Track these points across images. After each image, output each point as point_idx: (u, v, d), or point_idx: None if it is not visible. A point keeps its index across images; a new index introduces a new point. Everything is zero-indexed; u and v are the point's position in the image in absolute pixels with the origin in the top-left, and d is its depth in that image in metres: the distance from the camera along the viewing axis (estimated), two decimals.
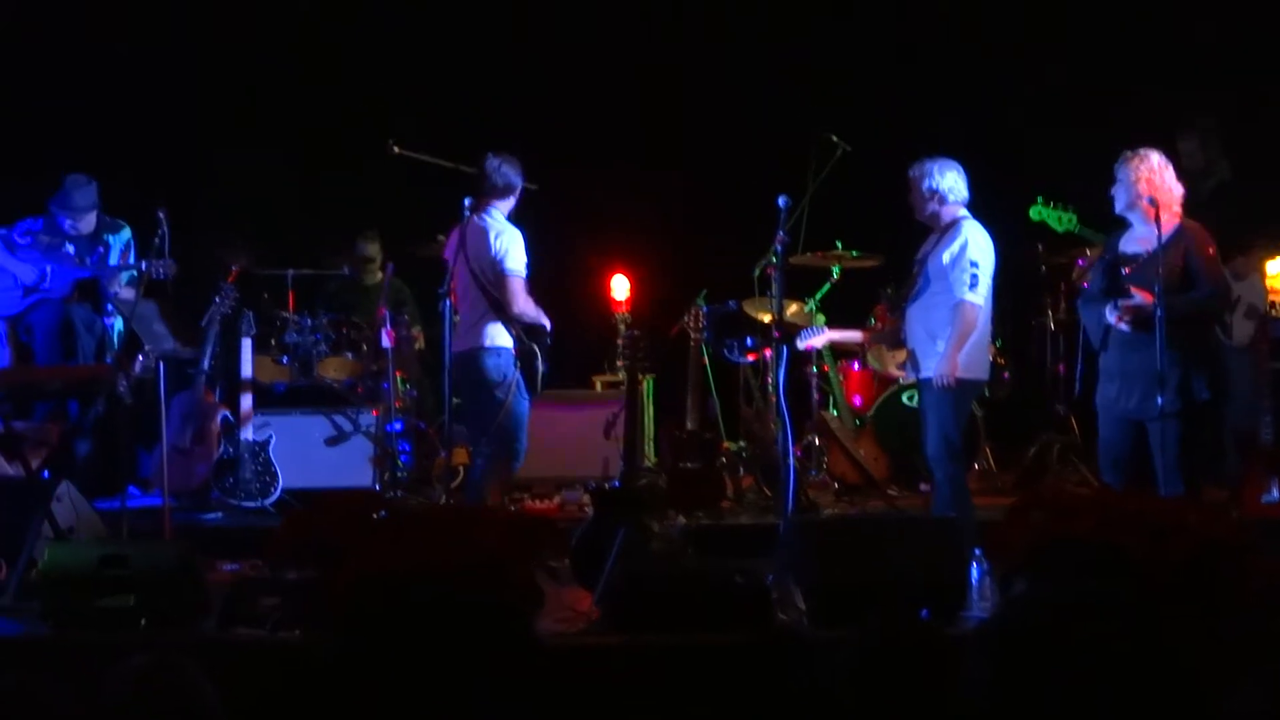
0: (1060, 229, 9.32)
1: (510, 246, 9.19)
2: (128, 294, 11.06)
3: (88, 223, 11.30)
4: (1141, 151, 8.47)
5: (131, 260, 11.35)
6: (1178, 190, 8.47)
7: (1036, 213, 9.35)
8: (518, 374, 9.19)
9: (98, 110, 12.57)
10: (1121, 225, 8.70)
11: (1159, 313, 8.10)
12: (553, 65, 13.00)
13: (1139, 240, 8.51)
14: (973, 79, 12.75)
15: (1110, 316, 8.43)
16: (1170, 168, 8.49)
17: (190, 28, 12.91)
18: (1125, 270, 8.48)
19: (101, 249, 11.36)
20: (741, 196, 10.94)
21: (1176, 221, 8.42)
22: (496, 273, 9.17)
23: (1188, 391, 8.21)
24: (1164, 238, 8.31)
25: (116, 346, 11.12)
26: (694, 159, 12.92)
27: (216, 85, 12.99)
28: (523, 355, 9.20)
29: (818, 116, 10.39)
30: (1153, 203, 8.31)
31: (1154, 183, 8.40)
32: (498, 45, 13.14)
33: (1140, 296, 8.29)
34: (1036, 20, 12.66)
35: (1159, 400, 8.23)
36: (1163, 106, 11.21)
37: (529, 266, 9.29)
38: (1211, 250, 8.43)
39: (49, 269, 11.17)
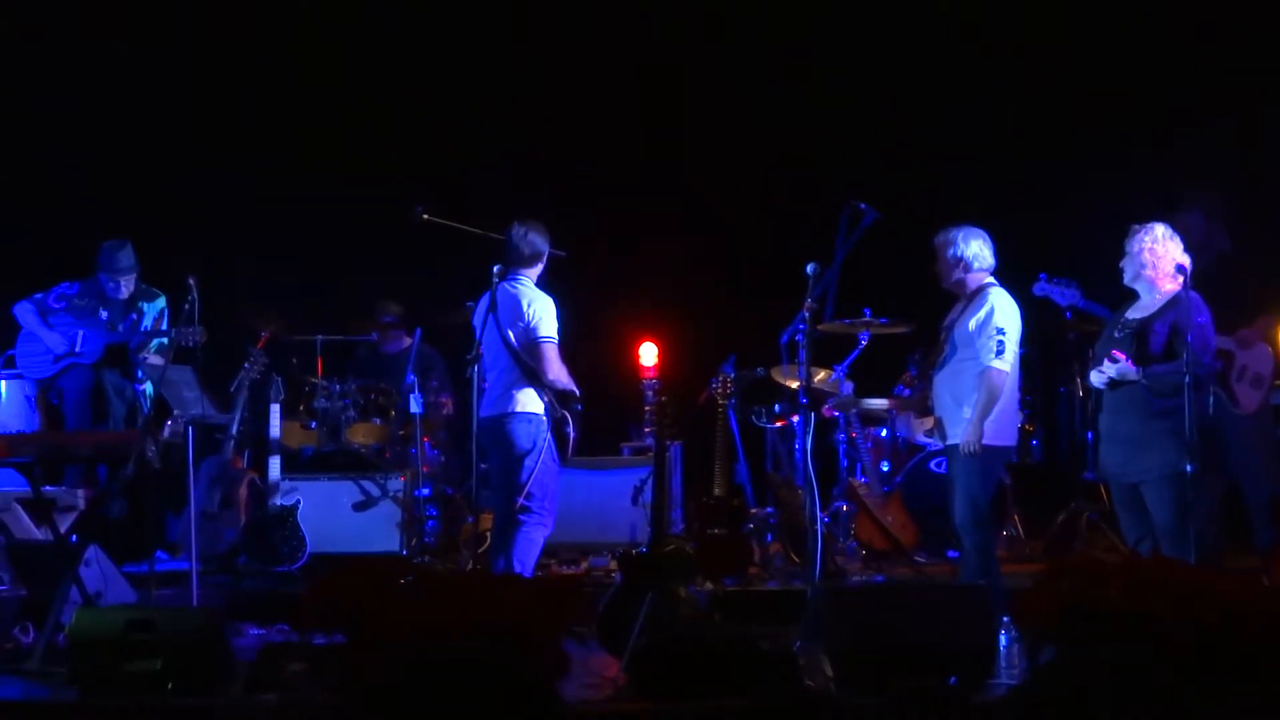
0: (1064, 304, 9.34)
1: (543, 314, 9.19)
2: (156, 360, 11.13)
3: (129, 284, 11.40)
4: (1147, 225, 8.56)
5: (164, 328, 11.42)
6: (1182, 261, 8.50)
7: (1041, 289, 9.37)
8: (549, 439, 9.18)
9: (123, 174, 12.68)
10: (1134, 296, 8.76)
11: (1130, 374, 8.27)
12: (577, 133, 13.09)
13: (1142, 309, 8.58)
14: (1006, 141, 12.82)
15: (1097, 381, 8.54)
16: (1176, 239, 8.56)
17: (209, 88, 13.05)
18: (1120, 336, 8.53)
19: (135, 315, 11.45)
20: (769, 263, 10.97)
21: (1174, 291, 8.46)
22: (530, 340, 9.15)
23: (1171, 459, 8.23)
24: (1155, 305, 8.44)
25: (146, 411, 11.17)
26: (722, 225, 12.96)
27: (247, 150, 13.08)
28: (555, 421, 9.20)
29: (846, 180, 10.39)
30: (1181, 270, 8.38)
31: (1157, 252, 8.49)
32: (528, 115, 13.24)
33: (1121, 361, 8.36)
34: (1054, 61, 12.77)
35: (1140, 465, 8.38)
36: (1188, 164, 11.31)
37: (560, 333, 9.30)
38: (1202, 320, 8.45)
39: (80, 334, 11.25)
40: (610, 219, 12.82)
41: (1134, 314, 8.64)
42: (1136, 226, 8.60)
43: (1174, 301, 8.44)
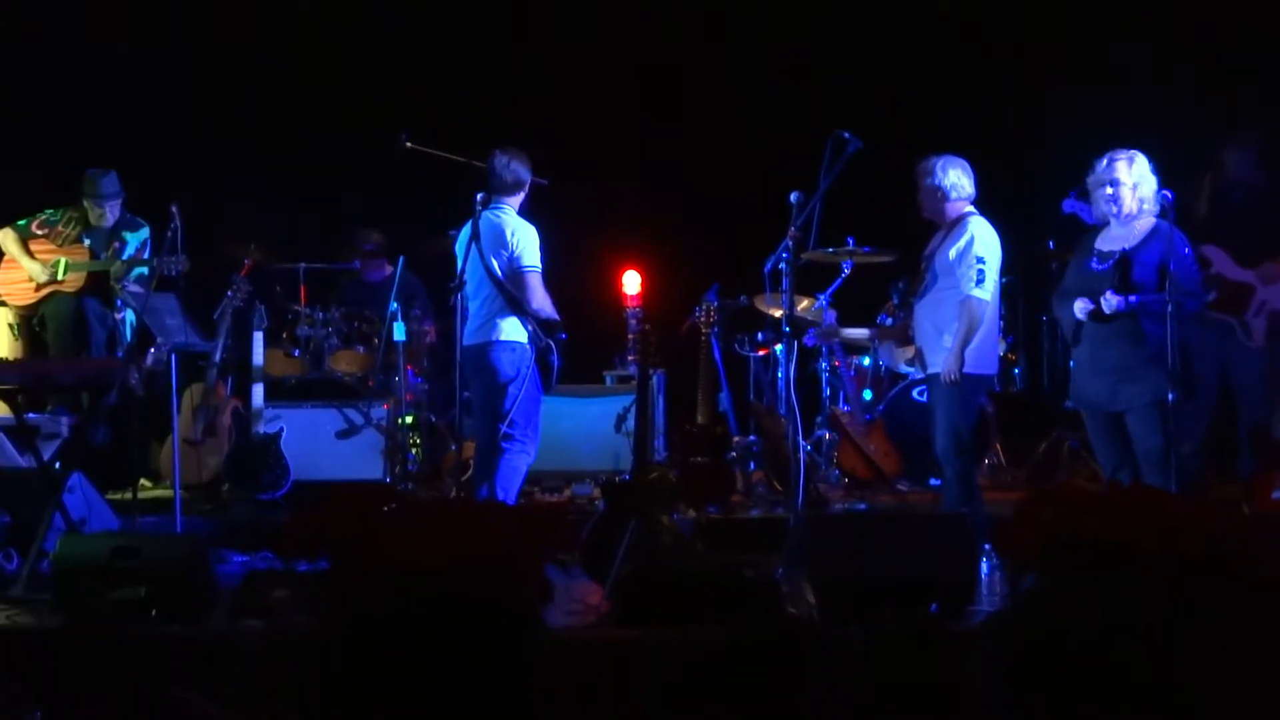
0: (1092, 222, 9.31)
1: (527, 243, 9.19)
2: (137, 289, 11.10)
3: (113, 211, 11.36)
4: (1128, 152, 8.49)
5: (147, 258, 11.39)
6: (1163, 191, 8.49)
7: (1070, 205, 9.36)
8: (533, 368, 9.19)
9: (105, 107, 12.60)
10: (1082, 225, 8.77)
11: (1123, 306, 8.22)
12: (559, 61, 13.03)
13: (1116, 239, 8.54)
14: (985, 72, 12.78)
15: (1080, 312, 8.51)
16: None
17: (196, 26, 12.95)
18: (1100, 267, 8.51)
19: (118, 244, 11.41)
20: (754, 192, 10.95)
21: (1153, 221, 8.45)
22: (514, 269, 9.15)
23: (1159, 387, 8.23)
24: (1139, 236, 8.41)
25: (129, 340, 11.15)
26: (706, 154, 12.92)
27: (229, 80, 13.01)
28: (539, 351, 9.20)
29: (829, 110, 10.37)
30: (1164, 200, 8.36)
31: (1149, 182, 8.45)
32: (504, 42, 13.17)
33: (1115, 300, 8.34)
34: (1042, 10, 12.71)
35: (1127, 394, 8.37)
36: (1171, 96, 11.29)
37: (543, 261, 9.30)
38: (1187, 250, 8.46)
39: (63, 262, 11.21)
40: (593, 147, 12.77)
41: (1107, 244, 8.60)
42: (1117, 154, 8.53)
43: (1155, 232, 8.43)
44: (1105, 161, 8.53)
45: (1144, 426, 8.36)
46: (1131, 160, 8.47)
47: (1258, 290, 9.77)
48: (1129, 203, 8.44)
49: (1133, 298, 8.30)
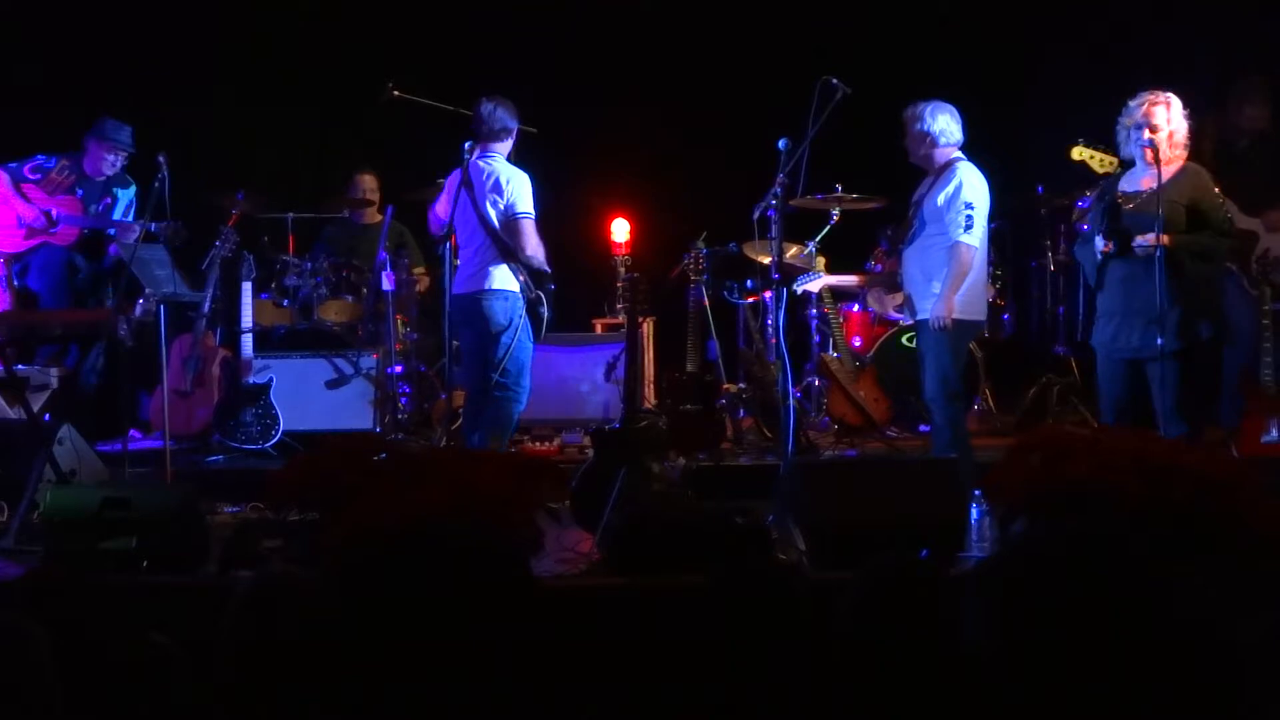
0: (1099, 170, 9.24)
1: (520, 190, 9.18)
2: (127, 239, 11.06)
3: (120, 162, 11.30)
4: (1165, 95, 8.42)
5: (131, 218, 11.33)
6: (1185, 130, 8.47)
7: (1079, 153, 9.30)
8: (523, 317, 9.19)
9: (89, 53, 12.52)
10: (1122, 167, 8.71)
11: (1159, 251, 8.12)
12: (546, 7, 12.97)
13: (1140, 180, 8.48)
14: (975, 17, 12.72)
15: (1100, 245, 8.46)
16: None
17: None
18: (1128, 208, 8.46)
19: (109, 200, 11.35)
20: (742, 139, 10.93)
21: (1181, 162, 8.41)
22: (509, 216, 9.15)
23: (1189, 331, 8.21)
24: (1168, 177, 8.32)
25: (111, 294, 11.11)
26: (694, 101, 12.88)
27: (215, 27, 12.94)
28: (529, 301, 9.20)
29: (818, 56, 10.34)
30: (1151, 145, 8.30)
31: (1183, 126, 8.40)
32: None
33: (1146, 238, 8.29)
34: None
35: (1159, 339, 8.24)
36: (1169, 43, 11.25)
37: (535, 209, 9.29)
38: (1216, 190, 8.43)
39: (54, 211, 11.15)
40: (582, 94, 12.74)
41: (1130, 186, 8.54)
42: (1155, 97, 8.47)
43: (1186, 172, 8.39)
44: (1140, 103, 8.44)
45: (1170, 374, 8.29)
46: (1168, 103, 8.40)
47: (1261, 238, 9.76)
48: (1166, 150, 8.34)
49: (1140, 239, 8.28)
